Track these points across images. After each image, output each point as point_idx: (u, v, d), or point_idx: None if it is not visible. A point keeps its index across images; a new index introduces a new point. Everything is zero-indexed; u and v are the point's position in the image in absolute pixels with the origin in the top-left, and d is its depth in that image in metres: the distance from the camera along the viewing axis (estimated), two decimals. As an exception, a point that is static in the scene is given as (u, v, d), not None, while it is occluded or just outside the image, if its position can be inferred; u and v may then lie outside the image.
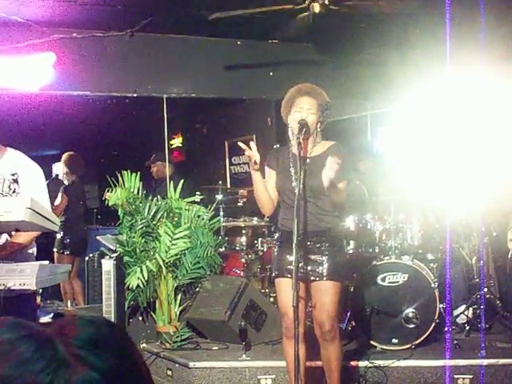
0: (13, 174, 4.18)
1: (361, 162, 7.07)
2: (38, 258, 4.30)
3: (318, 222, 4.32)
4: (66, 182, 8.23)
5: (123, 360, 0.93)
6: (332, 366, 4.42)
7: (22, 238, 4.08)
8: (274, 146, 5.13)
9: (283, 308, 4.32)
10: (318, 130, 4.37)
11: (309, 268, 4.30)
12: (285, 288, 4.27)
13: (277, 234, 4.61)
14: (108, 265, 5.66)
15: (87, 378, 0.85)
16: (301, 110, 4.30)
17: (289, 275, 4.21)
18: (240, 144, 4.22)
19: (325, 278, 4.29)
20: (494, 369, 5.15)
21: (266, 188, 4.38)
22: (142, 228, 6.05)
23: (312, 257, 4.31)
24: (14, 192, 4.15)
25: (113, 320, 5.48)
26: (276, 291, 4.59)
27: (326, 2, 5.21)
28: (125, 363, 0.93)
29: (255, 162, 4.20)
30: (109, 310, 5.55)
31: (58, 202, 7.87)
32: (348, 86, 7.87)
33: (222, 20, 5.86)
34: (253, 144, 4.19)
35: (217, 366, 5.45)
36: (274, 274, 4.52)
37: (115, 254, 5.83)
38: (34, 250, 4.38)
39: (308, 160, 4.33)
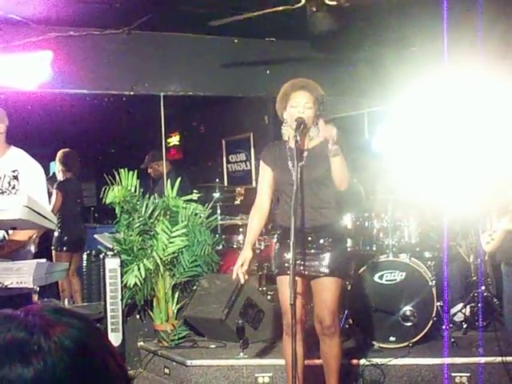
0: (13, 171, 4.20)
1: (358, 160, 7.05)
2: (36, 256, 4.30)
3: (319, 216, 4.30)
4: (60, 179, 8.16)
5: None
6: (331, 363, 4.40)
7: (20, 235, 4.08)
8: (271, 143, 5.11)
9: (285, 305, 4.28)
10: (315, 124, 4.35)
11: (310, 264, 4.28)
12: (286, 285, 4.22)
13: (278, 231, 4.58)
14: (113, 263, 5.68)
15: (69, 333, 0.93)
16: (297, 104, 4.26)
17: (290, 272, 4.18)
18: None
19: (326, 274, 4.27)
20: (491, 367, 5.15)
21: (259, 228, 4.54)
22: (139, 226, 6.04)
23: (313, 252, 4.29)
24: (13, 188, 4.16)
25: (120, 318, 5.56)
26: (277, 289, 4.57)
27: (325, 1, 5.20)
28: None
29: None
30: (115, 307, 5.58)
31: (52, 200, 7.77)
32: (345, 83, 7.86)
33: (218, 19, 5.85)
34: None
35: (214, 364, 5.45)
36: (275, 272, 4.50)
37: (111, 253, 5.84)
38: (32, 248, 4.38)
39: (306, 153, 4.32)
